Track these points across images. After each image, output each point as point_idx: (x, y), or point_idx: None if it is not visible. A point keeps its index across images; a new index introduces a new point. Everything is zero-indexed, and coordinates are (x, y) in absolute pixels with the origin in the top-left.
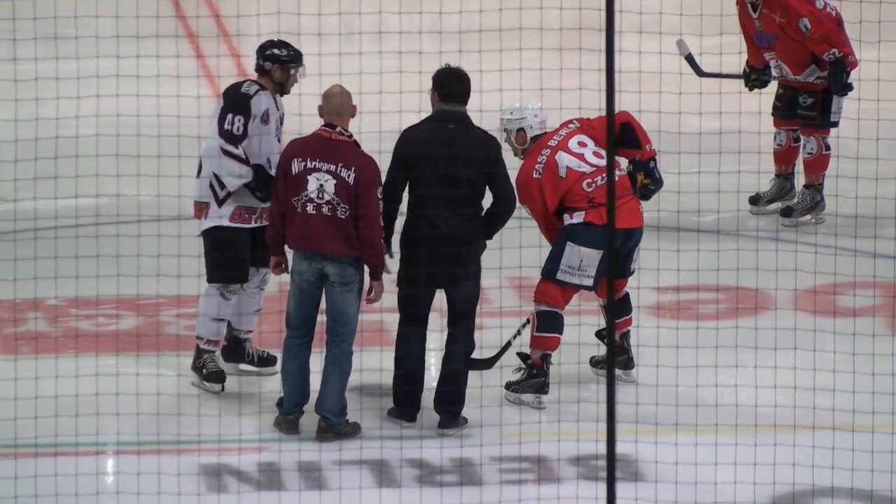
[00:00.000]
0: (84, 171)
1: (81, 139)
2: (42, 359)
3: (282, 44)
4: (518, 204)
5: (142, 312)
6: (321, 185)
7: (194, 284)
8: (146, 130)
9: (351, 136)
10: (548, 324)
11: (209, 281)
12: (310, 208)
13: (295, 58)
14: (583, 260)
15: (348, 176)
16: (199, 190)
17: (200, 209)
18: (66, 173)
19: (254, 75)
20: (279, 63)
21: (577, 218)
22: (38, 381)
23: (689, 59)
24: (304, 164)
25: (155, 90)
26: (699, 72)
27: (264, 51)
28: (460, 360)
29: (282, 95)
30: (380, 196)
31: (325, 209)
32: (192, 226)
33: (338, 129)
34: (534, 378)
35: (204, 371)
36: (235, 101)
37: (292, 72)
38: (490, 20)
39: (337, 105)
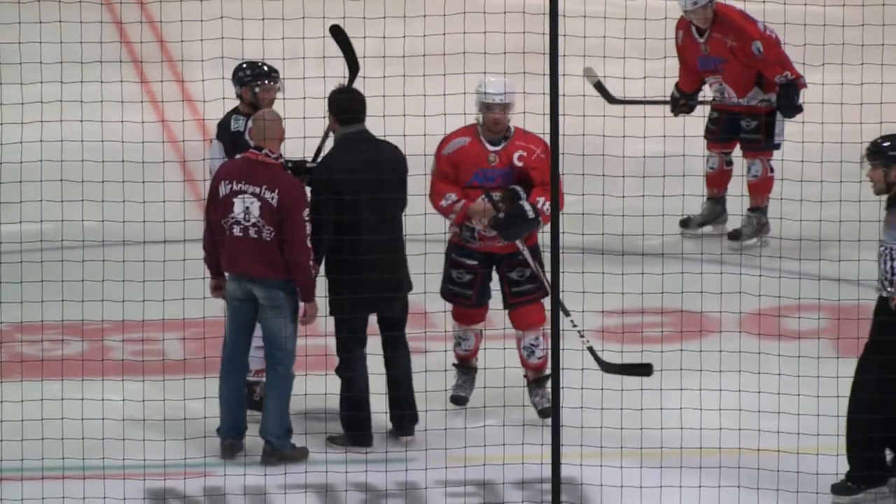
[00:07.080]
0: (28, 197)
1: (25, 165)
2: None
3: (247, 64)
4: None
5: (87, 337)
6: (247, 208)
7: (138, 309)
8: (90, 156)
9: (278, 158)
10: None
11: None
12: (237, 231)
13: (257, 74)
14: None
15: (272, 198)
16: None
17: None
18: (9, 199)
19: (197, 98)
20: (243, 84)
21: None
22: None
23: (599, 86)
24: (230, 186)
25: (99, 115)
26: (610, 99)
27: (233, 75)
28: (405, 365)
29: None
30: (306, 218)
31: (251, 231)
32: (136, 251)
33: (264, 151)
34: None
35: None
36: (233, 144)
37: (257, 89)
38: (434, 45)
39: (261, 128)
